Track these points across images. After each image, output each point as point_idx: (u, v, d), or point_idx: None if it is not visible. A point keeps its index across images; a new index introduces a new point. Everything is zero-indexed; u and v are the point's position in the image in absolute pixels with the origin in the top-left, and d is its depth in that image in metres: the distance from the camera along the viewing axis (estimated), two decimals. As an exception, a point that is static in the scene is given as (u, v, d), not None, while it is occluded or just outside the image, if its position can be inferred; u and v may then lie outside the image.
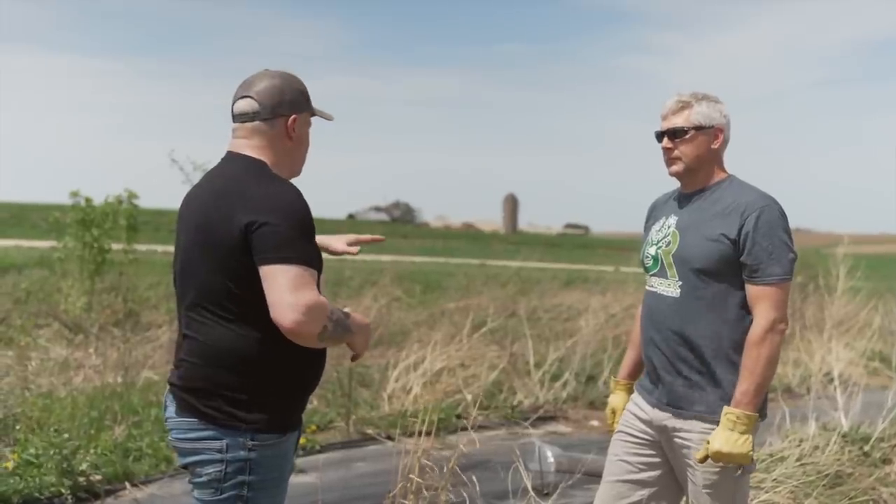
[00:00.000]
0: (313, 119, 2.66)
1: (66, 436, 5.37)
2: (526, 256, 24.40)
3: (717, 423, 2.84)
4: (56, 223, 11.25)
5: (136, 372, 7.45)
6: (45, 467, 5.03)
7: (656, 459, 3.09)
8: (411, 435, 4.84)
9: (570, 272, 24.12)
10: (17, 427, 5.72)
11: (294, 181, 2.59)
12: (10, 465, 5.09)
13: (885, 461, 5.71)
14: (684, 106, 3.00)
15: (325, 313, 2.34)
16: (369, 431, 6.75)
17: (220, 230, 2.38)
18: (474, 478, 4.43)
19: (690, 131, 2.98)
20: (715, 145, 3.00)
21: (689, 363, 2.94)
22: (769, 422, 6.05)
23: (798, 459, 5.26)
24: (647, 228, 3.21)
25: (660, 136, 3.04)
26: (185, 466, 2.52)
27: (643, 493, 3.09)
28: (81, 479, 5.04)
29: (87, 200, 10.96)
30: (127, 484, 5.26)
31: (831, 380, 8.03)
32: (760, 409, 2.85)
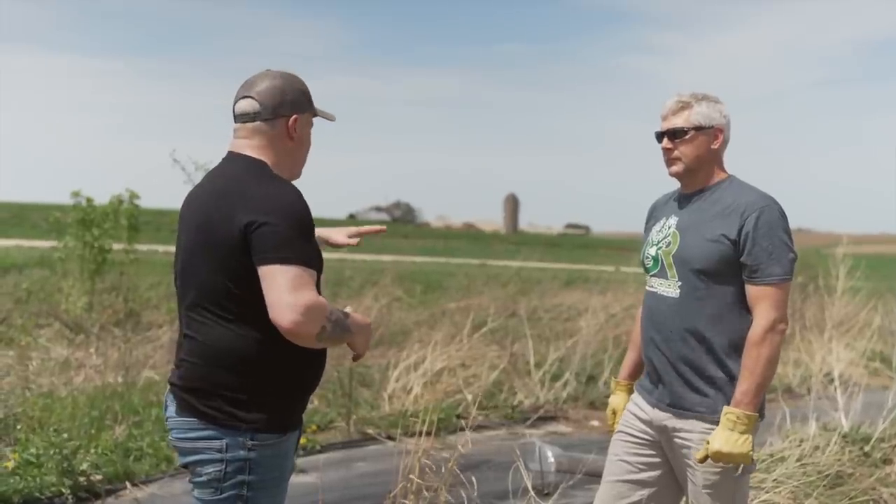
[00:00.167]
0: (315, 119, 2.66)
1: (66, 435, 5.37)
2: (526, 256, 24.40)
3: (717, 423, 2.84)
4: (56, 223, 11.26)
5: (136, 372, 7.45)
6: (45, 467, 5.03)
7: (656, 459, 3.09)
8: (412, 435, 4.86)
9: (570, 272, 24.12)
10: (18, 427, 5.73)
11: (295, 181, 2.60)
12: (11, 464, 5.09)
13: (886, 461, 5.71)
14: (684, 106, 3.00)
15: (323, 314, 2.34)
16: (370, 431, 6.75)
17: (221, 230, 2.38)
18: (474, 478, 4.44)
19: (690, 132, 2.98)
20: (715, 145, 3.00)
21: (689, 363, 2.94)
22: (770, 422, 6.05)
23: (798, 460, 5.26)
24: (648, 229, 3.21)
25: (660, 136, 3.04)
26: (185, 466, 2.53)
27: (643, 493, 3.09)
28: (82, 478, 5.04)
29: (88, 200, 10.97)
30: (127, 483, 5.26)
31: (832, 380, 8.03)
32: (760, 409, 2.85)
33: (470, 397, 7.40)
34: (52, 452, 5.06)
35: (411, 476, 3.93)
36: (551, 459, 5.71)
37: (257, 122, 2.52)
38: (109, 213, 10.98)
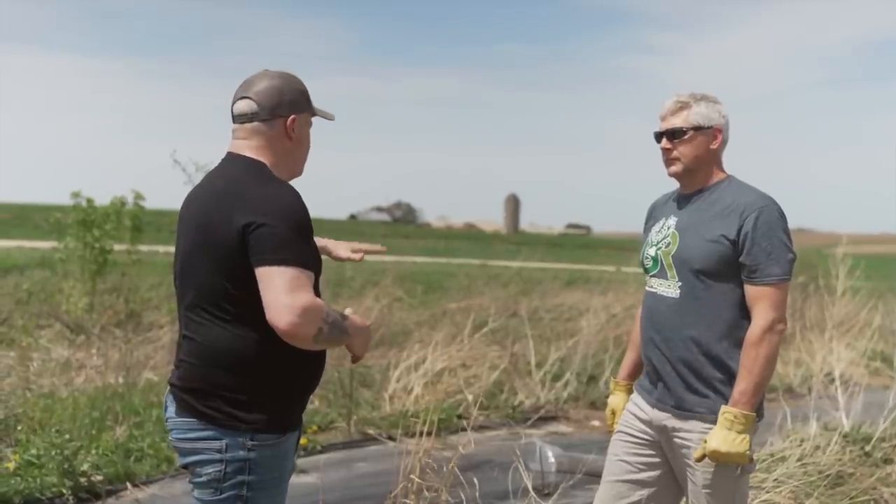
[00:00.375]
0: (314, 119, 2.66)
1: (67, 436, 5.37)
2: (527, 256, 24.39)
3: (716, 422, 2.84)
4: (57, 224, 11.25)
5: (137, 372, 7.45)
6: (46, 468, 5.04)
7: (656, 459, 3.09)
8: (412, 435, 4.86)
9: (571, 272, 24.11)
10: (19, 428, 5.73)
11: (295, 181, 2.60)
12: (12, 465, 5.10)
13: (887, 461, 5.71)
14: (683, 106, 3.00)
15: (320, 315, 2.34)
16: (370, 432, 6.75)
17: (219, 231, 2.38)
18: (475, 478, 4.44)
19: (689, 132, 2.98)
20: (714, 146, 3.00)
21: (688, 363, 2.95)
22: (770, 422, 6.05)
23: (799, 459, 5.26)
24: (647, 229, 3.21)
25: (658, 136, 3.04)
26: (185, 466, 2.53)
27: (643, 493, 3.09)
28: (83, 479, 5.05)
29: (89, 201, 10.97)
30: (128, 484, 5.27)
31: (832, 380, 8.03)
32: (758, 409, 2.86)
33: (471, 397, 7.40)
34: (52, 453, 5.06)
35: (412, 476, 3.93)
36: (552, 459, 5.71)
37: (255, 123, 2.52)
38: (111, 213, 10.98)
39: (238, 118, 2.55)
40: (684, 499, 3.10)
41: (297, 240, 2.36)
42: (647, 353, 3.10)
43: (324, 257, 2.74)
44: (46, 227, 11.93)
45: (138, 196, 11.22)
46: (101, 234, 10.81)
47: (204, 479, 2.45)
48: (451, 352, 8.40)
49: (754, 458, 2.90)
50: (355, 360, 2.63)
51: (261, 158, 2.52)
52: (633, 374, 3.34)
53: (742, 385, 2.81)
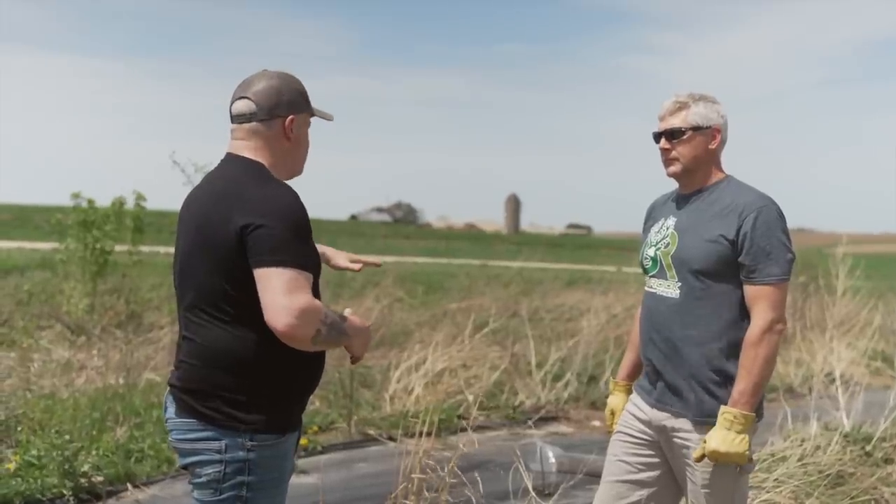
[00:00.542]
0: (314, 119, 2.66)
1: (67, 437, 5.37)
2: (528, 257, 24.42)
3: (715, 423, 2.84)
4: (58, 225, 11.26)
5: (137, 373, 7.46)
6: (46, 469, 5.04)
7: (655, 460, 3.09)
8: (413, 435, 4.85)
9: (572, 272, 24.12)
10: (19, 428, 5.73)
11: (295, 182, 2.60)
12: (12, 466, 5.10)
13: (887, 461, 5.71)
14: (681, 107, 3.00)
15: (318, 317, 2.34)
16: (371, 432, 6.75)
17: (218, 232, 2.38)
18: (476, 478, 4.44)
19: (688, 132, 2.98)
20: (712, 146, 3.00)
21: (688, 363, 2.95)
22: (771, 421, 6.05)
23: (800, 459, 5.26)
24: (646, 230, 3.21)
25: (657, 136, 3.04)
26: (184, 467, 2.53)
27: (642, 493, 3.09)
28: (83, 480, 5.05)
29: (90, 202, 10.98)
30: (129, 485, 5.27)
31: (833, 380, 8.02)
32: (757, 409, 2.86)
33: (471, 398, 7.40)
34: (53, 454, 5.06)
35: (413, 476, 3.93)
36: (552, 460, 5.71)
37: (254, 123, 2.52)
38: (111, 214, 10.98)
39: (236, 118, 2.55)
40: (684, 499, 3.10)
41: (295, 241, 2.36)
42: (646, 353, 3.10)
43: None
44: (47, 227, 11.93)
45: (139, 197, 11.23)
46: (102, 234, 10.81)
47: (204, 479, 2.45)
48: (452, 352, 8.40)
49: (754, 458, 2.89)
50: (354, 360, 2.63)
51: (259, 159, 2.51)
52: (633, 375, 3.34)
53: (741, 385, 2.81)
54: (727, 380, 2.88)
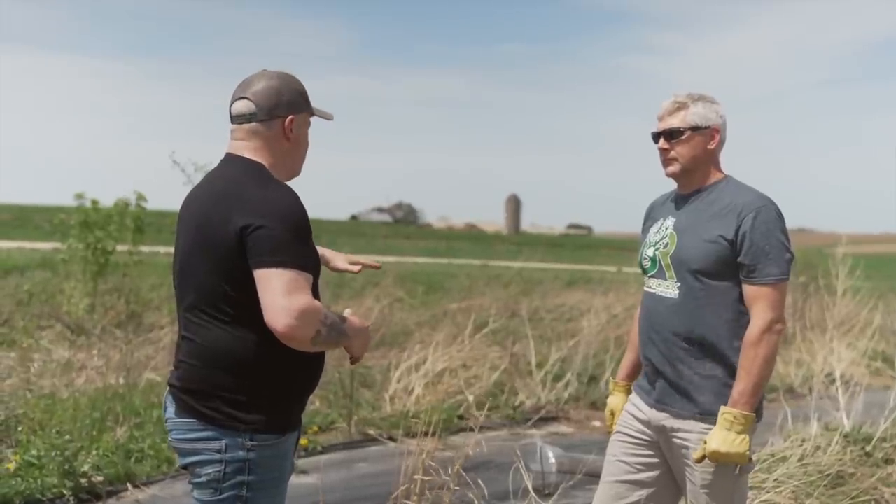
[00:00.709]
0: (314, 119, 2.66)
1: (67, 437, 5.38)
2: (528, 257, 24.41)
3: (714, 423, 2.84)
4: (61, 225, 11.27)
5: (138, 373, 7.45)
6: (46, 469, 5.04)
7: (655, 460, 3.09)
8: (413, 436, 4.86)
9: (572, 272, 24.12)
10: (20, 428, 5.73)
11: (295, 182, 2.60)
12: (12, 466, 5.10)
13: (887, 461, 5.71)
14: (680, 107, 3.00)
15: (318, 318, 2.34)
16: (371, 432, 6.75)
17: (219, 232, 2.38)
18: (476, 478, 4.44)
19: (687, 132, 2.98)
20: (711, 146, 3.00)
21: (687, 364, 2.95)
22: (771, 422, 6.05)
23: (800, 459, 5.26)
24: (645, 230, 3.21)
25: (656, 136, 3.04)
26: (184, 467, 2.53)
27: (642, 493, 3.09)
28: (83, 480, 5.05)
29: (94, 202, 10.99)
30: (129, 485, 5.27)
31: (833, 380, 8.02)
32: (757, 409, 2.85)
33: (471, 398, 7.40)
34: (53, 454, 5.06)
35: (414, 476, 3.93)
36: (552, 460, 5.71)
37: (253, 124, 2.52)
38: (114, 214, 10.99)
39: (236, 119, 2.55)
40: (683, 499, 3.10)
41: (295, 242, 2.36)
42: (645, 353, 3.10)
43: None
44: (49, 227, 11.94)
45: (140, 197, 11.24)
46: (104, 235, 10.82)
47: (203, 479, 2.45)
48: (452, 352, 8.40)
49: (754, 458, 2.89)
50: (354, 361, 2.63)
51: (259, 159, 2.51)
52: (632, 375, 3.34)
53: (741, 385, 2.81)
54: (727, 380, 2.88)
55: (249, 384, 2.42)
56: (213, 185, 2.52)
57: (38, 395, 6.53)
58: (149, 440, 5.80)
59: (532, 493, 4.42)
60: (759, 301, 2.84)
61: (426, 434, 4.05)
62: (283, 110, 2.53)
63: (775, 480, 4.87)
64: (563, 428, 7.60)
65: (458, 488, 4.08)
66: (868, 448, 5.74)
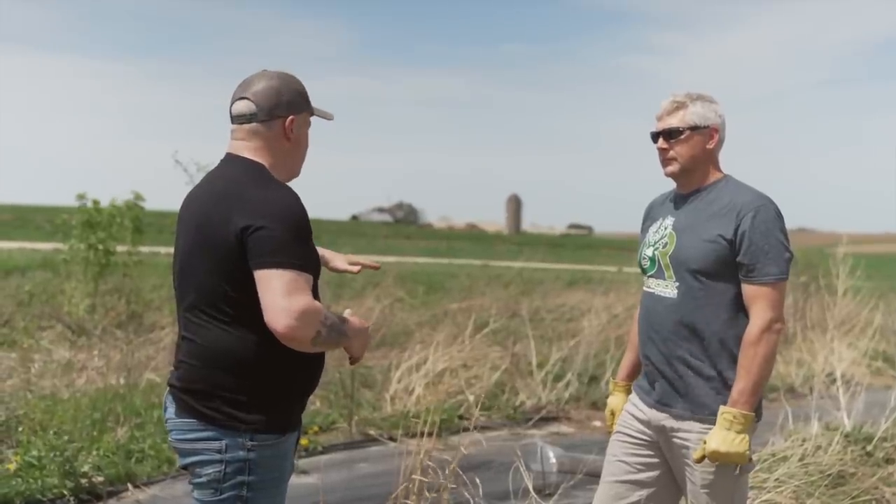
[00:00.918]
0: (314, 119, 2.66)
1: (68, 437, 5.38)
2: (529, 257, 24.42)
3: (714, 423, 2.84)
4: (63, 225, 11.28)
5: (138, 374, 7.46)
6: (47, 469, 5.04)
7: (655, 460, 3.09)
8: (414, 436, 4.85)
9: (573, 272, 24.13)
10: (20, 429, 5.74)
11: (295, 182, 2.60)
12: (13, 466, 5.10)
13: (888, 461, 5.70)
14: (679, 106, 3.00)
15: (318, 318, 2.34)
16: (372, 432, 6.75)
17: (219, 232, 2.38)
18: (476, 478, 4.44)
19: (686, 131, 2.98)
20: (710, 145, 3.00)
21: (687, 363, 2.94)
22: (772, 421, 6.05)
23: (800, 459, 5.26)
24: (644, 230, 3.21)
25: (655, 136, 3.04)
26: (185, 467, 2.53)
27: (642, 493, 3.09)
28: (84, 480, 5.05)
29: (95, 203, 11.00)
30: (129, 485, 5.27)
31: (834, 380, 8.01)
32: (756, 408, 2.85)
33: (472, 398, 7.40)
34: (53, 454, 5.07)
35: (414, 476, 3.93)
36: (553, 460, 5.71)
37: (254, 124, 2.52)
38: (116, 215, 11.00)
39: (236, 119, 2.55)
40: (683, 499, 3.10)
41: (295, 242, 2.36)
42: (645, 353, 3.10)
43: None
44: (50, 228, 11.95)
45: (138, 197, 11.25)
46: (106, 235, 10.83)
47: (204, 479, 2.45)
48: (453, 352, 8.40)
49: (754, 458, 2.89)
50: (353, 361, 2.63)
51: (259, 159, 2.51)
52: (632, 375, 3.34)
53: (740, 385, 2.81)
54: (726, 379, 2.88)
55: (250, 384, 2.42)
56: (213, 186, 2.52)
57: (39, 396, 6.54)
58: (149, 440, 5.80)
59: (533, 493, 4.42)
60: (758, 300, 2.84)
61: (426, 434, 4.04)
62: (284, 110, 2.53)
63: (776, 480, 4.87)
64: (563, 428, 7.60)
65: (454, 487, 4.07)
66: (869, 448, 5.74)
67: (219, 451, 2.42)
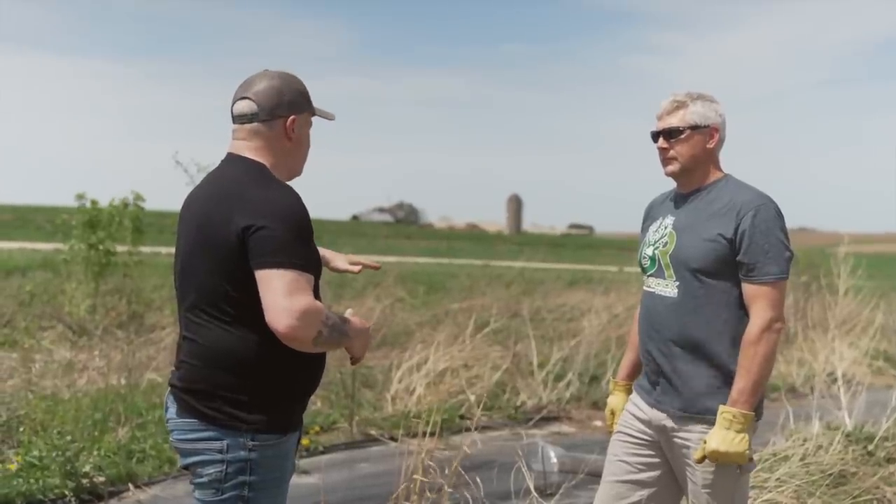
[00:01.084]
0: (315, 119, 2.66)
1: (69, 438, 5.38)
2: (529, 257, 24.45)
3: (715, 422, 2.84)
4: (63, 225, 11.28)
5: (139, 374, 7.46)
6: (48, 469, 5.04)
7: (655, 460, 3.08)
8: (415, 436, 4.85)
9: (573, 272, 24.14)
10: (21, 429, 5.74)
11: (296, 182, 2.60)
12: (14, 466, 5.10)
13: (889, 460, 5.70)
14: (679, 106, 3.00)
15: (319, 318, 2.34)
16: (372, 432, 6.75)
17: (220, 232, 2.39)
18: (477, 478, 4.44)
19: (686, 131, 2.98)
20: (710, 145, 3.00)
21: (687, 363, 2.94)
22: (773, 421, 6.04)
23: (801, 459, 5.25)
24: (645, 229, 3.21)
25: (655, 136, 3.04)
26: (186, 467, 2.53)
27: (643, 493, 3.09)
28: (85, 480, 5.05)
29: (94, 203, 11.00)
30: (130, 485, 5.28)
31: (835, 379, 8.01)
32: (756, 408, 2.85)
33: (473, 398, 7.40)
34: (55, 455, 5.07)
35: (415, 476, 3.93)
36: (554, 460, 5.71)
37: (255, 124, 2.52)
38: (115, 215, 11.01)
39: (238, 119, 2.55)
40: (684, 499, 3.10)
41: (296, 242, 2.36)
42: (645, 353, 3.10)
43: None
44: (51, 228, 11.95)
45: (138, 197, 11.25)
46: (106, 235, 10.83)
47: (205, 479, 2.45)
48: (454, 352, 8.40)
49: (755, 457, 2.89)
50: (354, 361, 2.63)
51: (260, 159, 2.51)
52: (632, 375, 3.34)
53: (740, 384, 2.81)
54: (727, 379, 2.88)
55: (251, 384, 2.42)
56: (214, 186, 2.52)
57: (40, 396, 6.53)
58: (150, 440, 5.81)
59: (534, 493, 4.41)
60: (758, 300, 2.84)
61: (427, 434, 4.04)
62: (285, 110, 2.53)
63: (777, 480, 4.87)
64: (564, 428, 7.60)
65: (453, 490, 4.07)
66: (870, 447, 5.73)
67: (220, 451, 2.42)
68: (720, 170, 3.05)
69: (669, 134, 2.99)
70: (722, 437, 2.77)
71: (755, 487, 4.70)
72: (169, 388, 2.57)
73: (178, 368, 2.53)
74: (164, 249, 16.85)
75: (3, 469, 5.10)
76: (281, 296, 2.29)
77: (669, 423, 2.99)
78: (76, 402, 6.34)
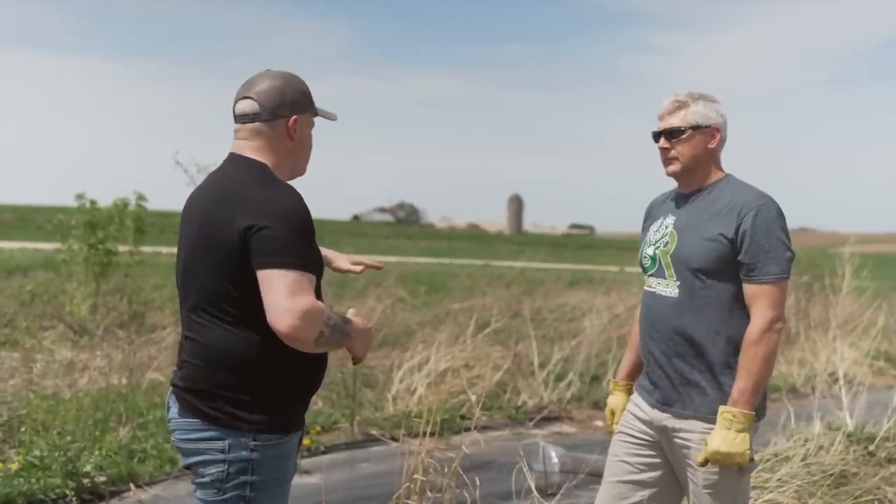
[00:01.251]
0: (316, 119, 2.66)
1: (70, 437, 5.39)
2: (530, 257, 24.46)
3: (716, 422, 2.83)
4: (61, 225, 11.28)
5: (140, 373, 7.46)
6: (49, 469, 5.05)
7: (657, 460, 3.08)
8: (416, 436, 4.85)
9: (574, 272, 24.15)
10: (22, 429, 5.74)
11: (297, 182, 2.60)
12: (15, 466, 5.10)
13: (890, 461, 5.69)
14: (681, 106, 3.00)
15: (321, 318, 2.34)
16: (373, 432, 6.75)
17: (222, 233, 2.39)
18: (478, 478, 4.44)
19: (687, 131, 2.98)
20: (712, 145, 2.99)
21: (688, 363, 2.94)
22: (774, 421, 6.04)
23: (803, 459, 5.25)
24: (645, 229, 3.21)
25: (656, 136, 3.04)
26: (187, 467, 2.53)
27: (644, 493, 3.08)
28: (86, 480, 5.05)
29: (93, 203, 11.00)
30: (131, 485, 5.28)
31: (836, 379, 8.01)
32: (758, 408, 2.85)
33: (474, 398, 7.39)
34: (56, 454, 5.07)
35: (416, 476, 3.93)
36: (555, 460, 5.71)
37: (257, 123, 2.52)
38: (115, 215, 11.01)
39: (240, 118, 2.55)
40: (685, 499, 3.10)
41: (298, 242, 2.36)
42: (646, 353, 3.10)
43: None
44: (50, 228, 11.95)
45: (140, 197, 11.26)
46: (105, 235, 10.83)
47: (207, 479, 2.45)
48: (455, 352, 8.40)
49: (756, 457, 2.89)
50: (356, 362, 2.63)
51: (262, 159, 2.51)
52: (633, 375, 3.34)
53: (741, 384, 2.81)
54: (727, 379, 2.88)
55: (253, 384, 2.42)
56: (215, 186, 2.53)
57: (41, 396, 6.54)
58: (152, 440, 5.81)
59: (535, 493, 4.41)
60: (759, 300, 2.84)
61: (428, 434, 4.04)
62: (287, 110, 2.53)
63: (778, 480, 4.87)
64: (565, 428, 7.60)
65: (457, 487, 4.07)
66: (871, 447, 5.72)
67: (222, 451, 2.42)
68: (721, 170, 3.05)
69: (671, 134, 2.99)
70: (722, 437, 2.76)
71: (756, 488, 4.69)
72: (171, 388, 2.57)
73: (180, 368, 2.53)
74: (165, 249, 16.86)
75: (4, 469, 5.10)
76: (283, 296, 2.29)
77: (670, 424, 2.98)
78: (77, 402, 6.34)
